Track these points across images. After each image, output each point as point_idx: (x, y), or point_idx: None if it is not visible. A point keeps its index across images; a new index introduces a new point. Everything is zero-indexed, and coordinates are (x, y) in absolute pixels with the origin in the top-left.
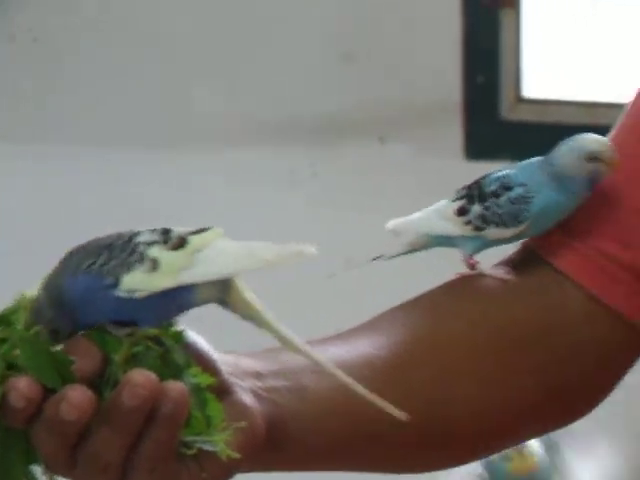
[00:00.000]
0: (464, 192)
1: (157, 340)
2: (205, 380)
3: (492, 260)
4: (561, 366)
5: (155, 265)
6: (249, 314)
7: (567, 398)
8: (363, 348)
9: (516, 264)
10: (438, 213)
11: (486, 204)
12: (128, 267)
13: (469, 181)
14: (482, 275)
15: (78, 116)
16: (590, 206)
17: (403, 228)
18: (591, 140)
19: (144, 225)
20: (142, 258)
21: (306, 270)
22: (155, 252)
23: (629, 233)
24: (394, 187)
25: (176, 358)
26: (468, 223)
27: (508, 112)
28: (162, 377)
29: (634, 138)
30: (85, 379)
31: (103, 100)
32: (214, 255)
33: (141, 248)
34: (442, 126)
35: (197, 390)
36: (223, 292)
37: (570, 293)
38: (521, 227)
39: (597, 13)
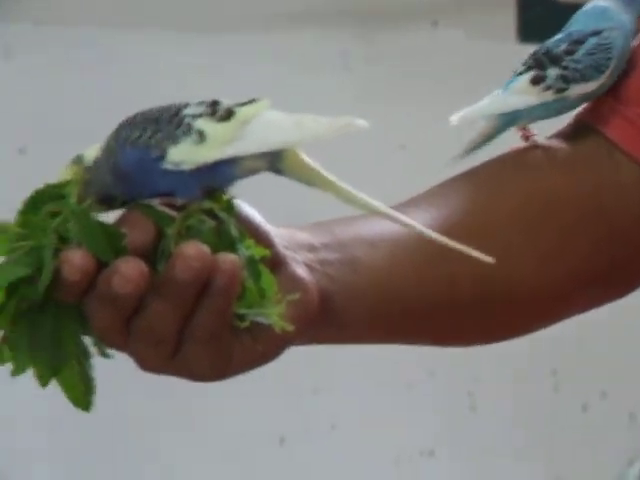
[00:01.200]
0: (529, 63)
1: (211, 213)
2: (259, 252)
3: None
4: (613, 240)
5: (202, 137)
6: (308, 177)
7: (630, 267)
8: (419, 221)
9: (569, 136)
10: (508, 91)
11: (563, 64)
12: (175, 139)
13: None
14: (536, 146)
15: None
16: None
17: (470, 118)
18: None
19: None
20: (189, 130)
21: (360, 154)
22: (202, 124)
23: None
24: (447, 71)
25: (230, 230)
26: (547, 89)
27: None
28: (215, 250)
29: None
30: (138, 252)
31: None
32: (262, 127)
33: (188, 120)
34: (495, 9)
35: (251, 262)
36: (275, 161)
37: (622, 164)
38: (605, 76)
39: None
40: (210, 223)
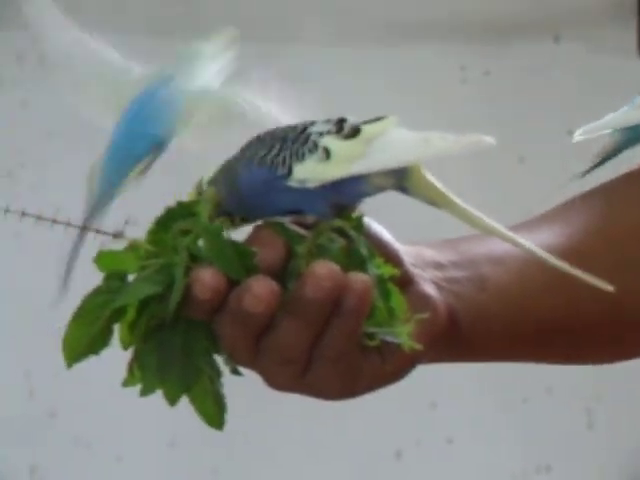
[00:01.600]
0: None
1: (340, 231)
2: (388, 271)
3: None
4: None
5: (327, 154)
6: (433, 197)
7: None
8: (544, 240)
9: None
10: (633, 106)
11: None
12: (301, 157)
13: None
14: None
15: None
16: None
17: (593, 133)
18: None
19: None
20: (315, 147)
21: (480, 168)
22: (328, 141)
23: None
24: (568, 86)
25: (359, 249)
26: None
27: None
28: (346, 268)
29: None
30: (269, 271)
31: None
32: (388, 144)
33: (314, 137)
34: (617, 25)
35: (380, 281)
36: (401, 179)
37: None
38: None
39: None
40: (340, 242)
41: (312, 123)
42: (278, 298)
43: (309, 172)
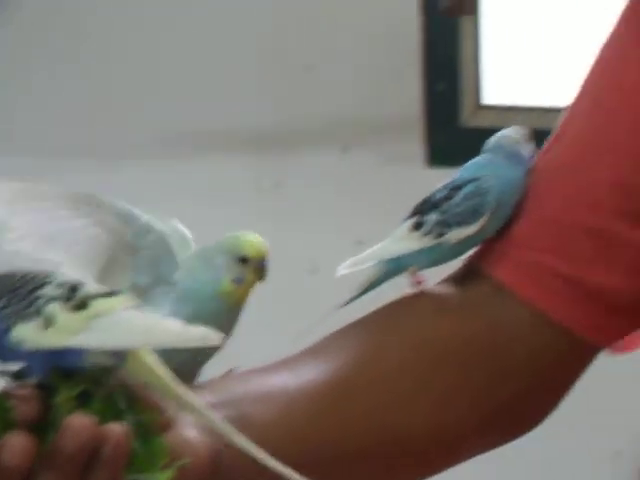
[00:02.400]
0: (413, 211)
1: (99, 380)
2: (149, 417)
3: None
4: (508, 380)
5: (49, 322)
6: (152, 382)
7: (516, 411)
8: (308, 375)
9: (460, 280)
10: (391, 239)
11: (442, 209)
12: (23, 317)
13: (431, 189)
14: (427, 292)
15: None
16: (530, 217)
17: (357, 265)
18: None
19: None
20: (38, 312)
21: (271, 280)
22: (53, 309)
23: (569, 246)
24: (358, 196)
25: (119, 397)
26: (427, 234)
27: (468, 119)
28: (105, 417)
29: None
30: (27, 424)
31: (44, 110)
32: (112, 325)
33: (40, 302)
34: (404, 134)
35: (141, 427)
36: (119, 360)
37: (513, 307)
38: (483, 220)
39: (556, 18)
40: (99, 391)
41: (48, 280)
42: (35, 451)
43: (27, 335)
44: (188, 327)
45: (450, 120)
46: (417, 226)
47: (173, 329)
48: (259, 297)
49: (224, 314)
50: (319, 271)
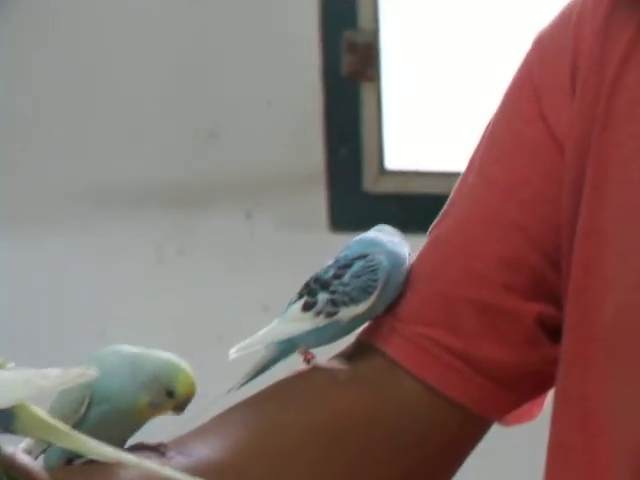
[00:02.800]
0: (302, 291)
1: None
2: None
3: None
4: (405, 455)
5: None
6: (44, 434)
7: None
8: (199, 454)
9: (353, 356)
10: (283, 319)
11: (331, 288)
12: None
13: (334, 253)
14: (320, 369)
15: None
16: (420, 292)
17: (249, 348)
18: None
19: None
20: None
21: (179, 349)
22: None
23: (458, 320)
24: (263, 262)
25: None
26: (318, 314)
27: (371, 184)
28: None
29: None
30: None
31: None
32: None
33: None
34: (307, 199)
35: None
36: (7, 422)
37: (406, 382)
38: (373, 297)
39: (457, 84)
40: None
41: None
42: None
43: None
44: (67, 369)
45: (353, 185)
46: (307, 306)
47: (52, 374)
48: None
49: (129, 422)
50: (226, 338)
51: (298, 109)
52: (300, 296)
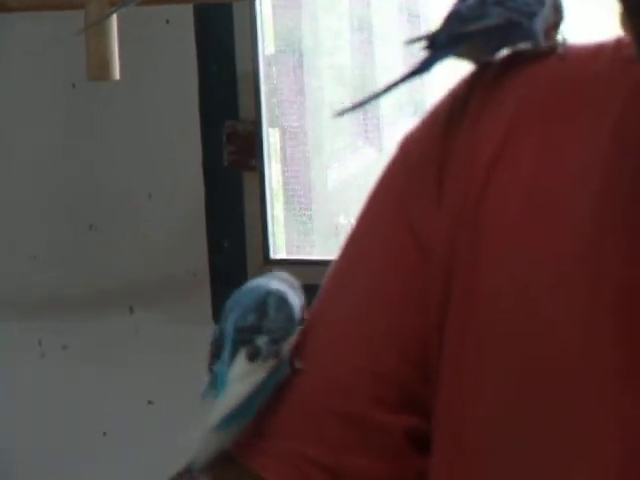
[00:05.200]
0: (232, 347)
1: None
2: None
3: None
4: None
5: None
6: None
7: None
8: None
9: (218, 470)
10: (230, 384)
11: (265, 330)
12: None
13: None
14: None
15: None
16: (288, 406)
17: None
18: None
19: None
20: None
21: (64, 446)
22: None
23: (327, 433)
24: (148, 357)
25: None
26: (266, 359)
27: (256, 275)
28: None
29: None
30: None
31: None
32: None
33: None
34: (191, 293)
35: None
36: None
37: None
38: (298, 323)
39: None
40: None
41: None
42: None
43: None
44: None
45: (238, 277)
46: (254, 355)
47: None
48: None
49: None
50: (111, 434)
51: (180, 202)
52: (233, 351)
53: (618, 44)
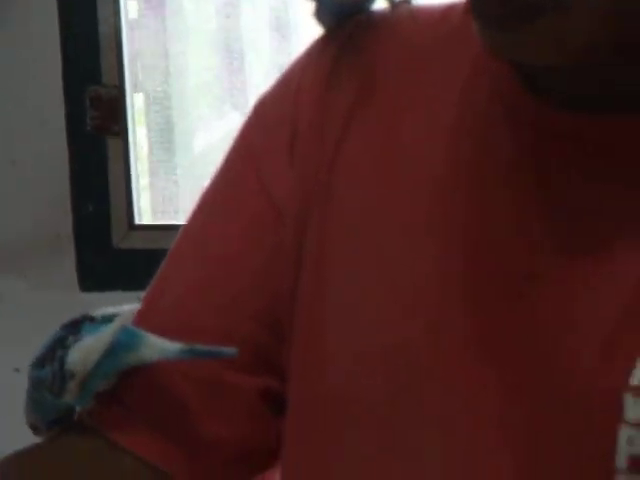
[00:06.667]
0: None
1: None
2: None
3: None
4: None
5: None
6: None
7: None
8: None
9: (70, 434)
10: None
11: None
12: None
13: (85, 312)
14: (30, 451)
15: None
16: (141, 369)
17: None
18: None
19: None
20: None
21: None
22: None
23: (179, 398)
24: (13, 323)
25: None
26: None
27: (120, 240)
28: None
29: None
30: None
31: None
32: None
33: None
34: (56, 259)
35: None
36: None
37: (124, 459)
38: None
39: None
40: None
41: None
42: None
43: None
44: None
45: (102, 242)
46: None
47: None
48: None
49: None
50: None
51: (45, 166)
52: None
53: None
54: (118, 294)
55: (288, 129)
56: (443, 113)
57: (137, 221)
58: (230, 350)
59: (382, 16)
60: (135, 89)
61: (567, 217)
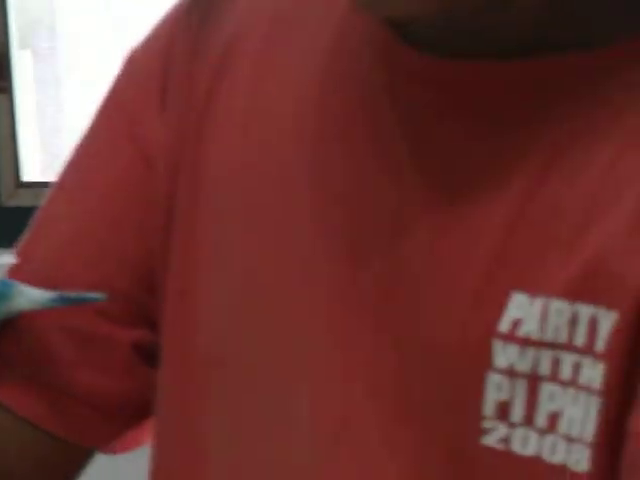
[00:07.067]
0: None
1: None
2: None
3: None
4: None
5: None
6: None
7: None
8: None
9: None
10: None
11: None
12: None
13: None
14: None
15: None
16: (12, 324)
17: None
18: None
19: None
20: None
21: None
22: None
23: (52, 350)
24: None
25: None
26: None
27: (8, 198)
28: None
29: None
30: None
31: None
32: None
33: None
34: None
35: None
36: None
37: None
38: None
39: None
40: None
41: None
42: None
43: None
44: None
45: None
46: None
47: None
48: None
49: None
50: None
51: None
52: None
53: None
54: (5, 252)
55: (159, 80)
56: (313, 66)
57: (25, 178)
58: (98, 295)
59: None
60: (22, 45)
61: (436, 156)
